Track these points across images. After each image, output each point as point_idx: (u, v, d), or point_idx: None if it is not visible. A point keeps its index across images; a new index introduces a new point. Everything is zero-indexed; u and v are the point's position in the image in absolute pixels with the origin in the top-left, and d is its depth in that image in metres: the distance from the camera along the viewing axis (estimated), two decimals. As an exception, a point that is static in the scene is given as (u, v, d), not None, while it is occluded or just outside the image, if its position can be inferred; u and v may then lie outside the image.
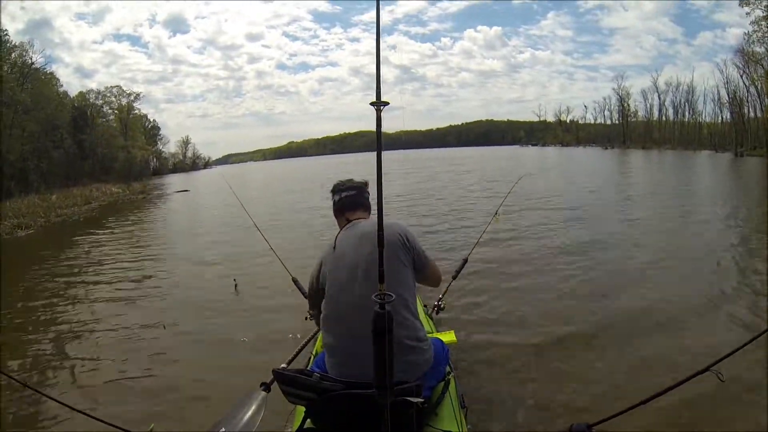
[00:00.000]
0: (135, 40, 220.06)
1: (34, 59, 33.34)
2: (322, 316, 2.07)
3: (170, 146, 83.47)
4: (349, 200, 2.27)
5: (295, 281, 3.87)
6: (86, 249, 11.18)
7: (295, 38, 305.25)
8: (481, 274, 6.31)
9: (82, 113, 43.52)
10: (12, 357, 4.59)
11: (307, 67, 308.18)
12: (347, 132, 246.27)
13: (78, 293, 7.03)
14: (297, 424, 1.98)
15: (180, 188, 34.60)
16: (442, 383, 2.13)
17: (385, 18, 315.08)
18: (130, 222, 16.62)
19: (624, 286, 5.79)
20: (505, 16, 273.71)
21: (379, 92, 1.41)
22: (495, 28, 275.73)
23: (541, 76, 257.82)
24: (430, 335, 2.25)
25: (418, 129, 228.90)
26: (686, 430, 2.90)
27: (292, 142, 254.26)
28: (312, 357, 2.70)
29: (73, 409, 2.06)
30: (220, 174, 60.84)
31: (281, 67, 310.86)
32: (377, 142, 1.43)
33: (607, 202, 13.17)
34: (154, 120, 76.90)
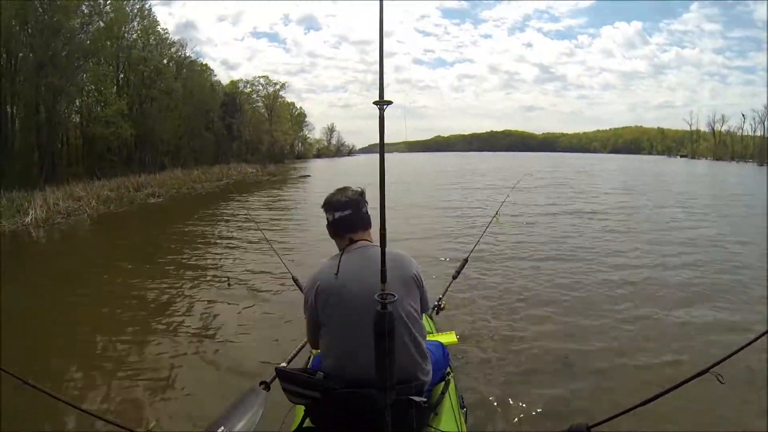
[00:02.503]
0: (272, 37, 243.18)
1: (188, 53, 39.03)
2: (323, 329, 1.95)
3: (315, 133, 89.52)
4: (347, 222, 2.02)
5: (295, 280, 3.68)
6: (173, 225, 13.10)
7: (426, 34, 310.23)
8: (482, 275, 6.39)
9: (232, 100, 48.86)
10: (9, 350, 4.32)
11: (444, 63, 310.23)
12: (494, 130, 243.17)
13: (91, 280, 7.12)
14: (296, 423, 1.98)
15: (304, 173, 37.71)
16: (442, 384, 2.10)
17: (515, 14, 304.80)
18: (229, 205, 16.99)
19: (628, 289, 5.86)
20: (642, 9, 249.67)
21: (382, 91, 1.39)
22: (634, 23, 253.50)
23: (689, 78, 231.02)
24: (430, 336, 2.28)
25: (564, 132, 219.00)
26: (686, 431, 2.93)
27: (439, 136, 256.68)
28: (311, 356, 2.60)
29: (74, 406, 2.03)
30: (348, 163, 62.77)
31: (417, 62, 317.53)
32: (380, 142, 1.41)
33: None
34: (301, 107, 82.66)
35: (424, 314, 2.33)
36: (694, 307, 5.18)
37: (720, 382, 1.57)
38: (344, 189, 2.10)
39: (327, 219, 2.07)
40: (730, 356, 1.64)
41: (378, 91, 1.42)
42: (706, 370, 1.63)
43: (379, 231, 1.43)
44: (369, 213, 2.09)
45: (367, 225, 2.07)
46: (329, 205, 2.06)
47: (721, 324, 4.72)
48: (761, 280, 6.02)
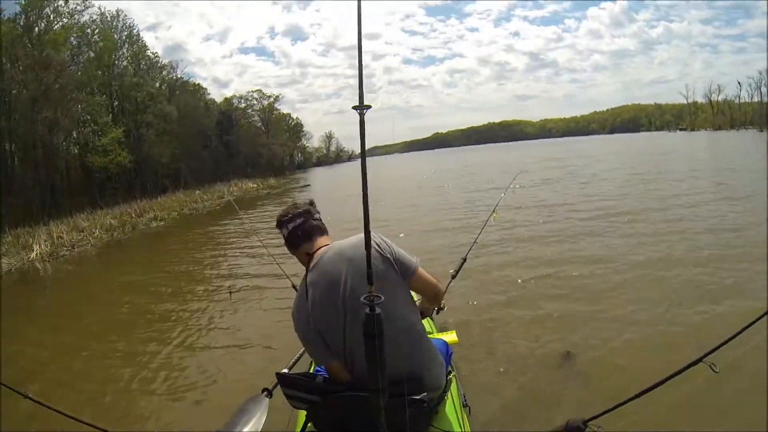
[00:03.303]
0: (260, 51, 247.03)
1: (179, 75, 39.61)
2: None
3: (314, 141, 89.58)
4: (302, 230, 2.01)
5: (294, 287, 3.58)
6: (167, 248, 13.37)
7: (413, 33, 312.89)
8: (482, 274, 6.36)
9: (228, 117, 49.10)
10: (14, 364, 4.60)
11: (435, 60, 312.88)
12: (491, 122, 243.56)
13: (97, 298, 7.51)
14: (298, 428, 1.98)
15: (306, 183, 37.86)
16: (444, 383, 2.06)
17: (499, 4, 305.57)
18: (230, 221, 16.26)
19: (628, 284, 5.69)
20: None
21: (362, 96, 1.40)
22: (619, 2, 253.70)
23: (680, 52, 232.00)
24: (431, 335, 2.26)
25: (562, 117, 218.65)
26: (682, 424, 2.89)
27: (438, 133, 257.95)
28: (313, 362, 2.59)
29: (76, 419, 1.98)
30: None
31: (407, 61, 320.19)
32: (361, 146, 1.43)
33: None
34: (297, 117, 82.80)
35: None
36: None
37: (713, 371, 1.58)
38: (293, 203, 2.11)
39: (282, 235, 2.06)
40: (723, 344, 1.63)
41: (357, 96, 1.42)
42: (699, 360, 1.62)
43: (364, 234, 1.44)
44: (322, 220, 2.10)
45: (322, 231, 2.07)
46: (281, 220, 2.06)
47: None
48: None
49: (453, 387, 2.18)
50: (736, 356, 1.77)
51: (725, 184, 12.78)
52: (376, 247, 1.86)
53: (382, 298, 1.37)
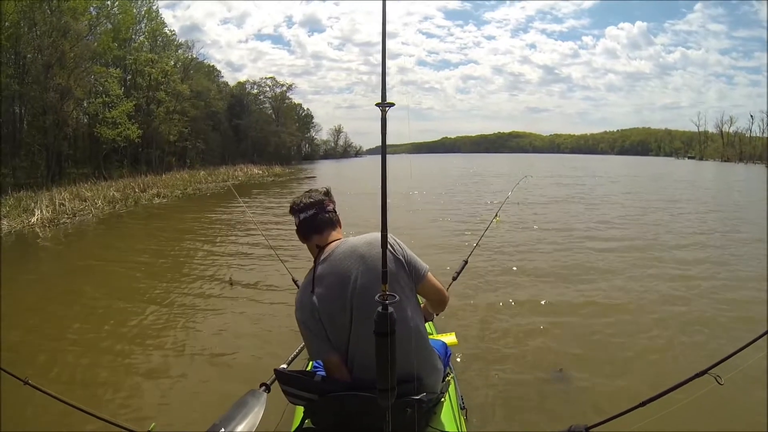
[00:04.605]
0: (276, 39, 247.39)
1: (194, 55, 39.57)
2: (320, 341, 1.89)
3: (322, 134, 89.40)
4: (312, 222, 1.99)
5: (294, 281, 3.60)
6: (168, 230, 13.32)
7: (430, 35, 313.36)
8: (482, 276, 6.41)
9: (239, 101, 49.11)
10: (12, 351, 4.45)
11: (449, 65, 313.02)
12: (500, 132, 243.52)
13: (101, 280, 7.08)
14: (296, 424, 2.01)
15: (311, 175, 37.84)
16: (442, 384, 2.08)
17: (518, 14, 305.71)
18: (233, 206, 16.00)
19: (628, 289, 5.85)
20: (646, 9, 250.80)
21: (385, 93, 1.38)
22: (638, 23, 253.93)
23: (695, 79, 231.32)
24: (431, 336, 2.28)
25: (572, 133, 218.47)
26: None
27: (446, 137, 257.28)
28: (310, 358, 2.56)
29: (74, 406, 1.98)
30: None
31: (422, 63, 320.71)
32: (382, 144, 1.39)
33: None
34: (307, 108, 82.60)
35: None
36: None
37: (718, 383, 1.58)
38: (309, 191, 2.08)
39: (294, 223, 2.05)
40: (728, 357, 1.64)
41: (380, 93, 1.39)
42: (705, 372, 1.63)
43: (380, 232, 1.41)
44: (336, 212, 2.07)
45: (333, 224, 2.03)
46: (293, 208, 2.04)
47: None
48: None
49: (451, 388, 2.18)
50: (739, 370, 1.75)
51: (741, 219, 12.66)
52: (390, 248, 1.83)
53: (397, 297, 1.37)
